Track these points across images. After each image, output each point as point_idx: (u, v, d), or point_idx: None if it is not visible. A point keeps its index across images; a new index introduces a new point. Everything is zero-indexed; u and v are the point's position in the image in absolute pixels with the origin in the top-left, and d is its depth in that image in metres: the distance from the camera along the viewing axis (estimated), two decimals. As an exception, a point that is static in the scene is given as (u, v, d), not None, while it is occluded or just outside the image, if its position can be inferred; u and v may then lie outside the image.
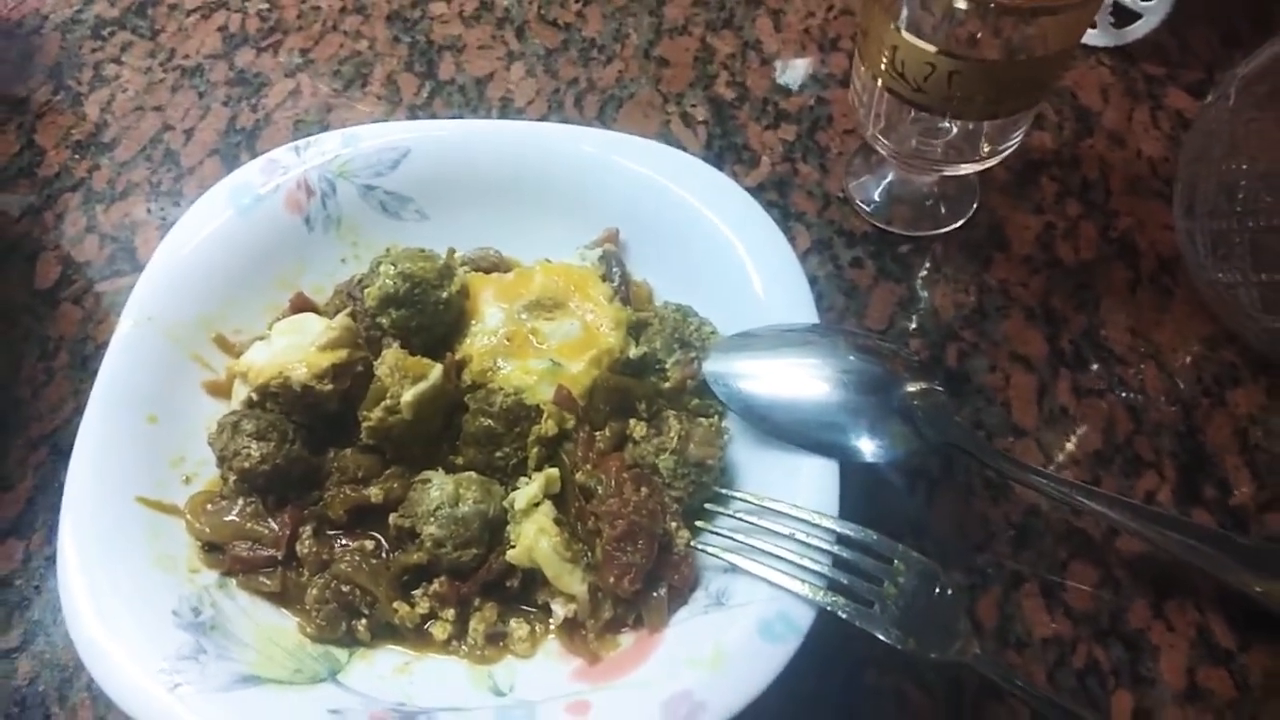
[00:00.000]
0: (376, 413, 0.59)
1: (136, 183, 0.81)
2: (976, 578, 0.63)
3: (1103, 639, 0.61)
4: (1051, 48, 0.62)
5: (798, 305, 0.63)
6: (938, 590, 0.54)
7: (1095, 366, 0.71)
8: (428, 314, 0.62)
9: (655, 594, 0.56)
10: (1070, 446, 0.68)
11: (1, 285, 0.75)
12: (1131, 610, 0.62)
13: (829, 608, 0.53)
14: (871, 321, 0.73)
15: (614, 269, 0.68)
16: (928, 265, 0.76)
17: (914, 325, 0.73)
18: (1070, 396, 0.70)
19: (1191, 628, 0.62)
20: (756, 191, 0.69)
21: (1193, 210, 0.69)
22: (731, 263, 0.65)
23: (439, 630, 0.57)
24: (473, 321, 0.65)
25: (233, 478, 0.59)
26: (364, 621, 0.57)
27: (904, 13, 0.62)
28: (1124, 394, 0.70)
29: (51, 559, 0.62)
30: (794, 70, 0.87)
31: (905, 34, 0.62)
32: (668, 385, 0.63)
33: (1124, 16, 0.86)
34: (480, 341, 0.63)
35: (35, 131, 0.84)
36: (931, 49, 0.62)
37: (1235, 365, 0.72)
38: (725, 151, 0.82)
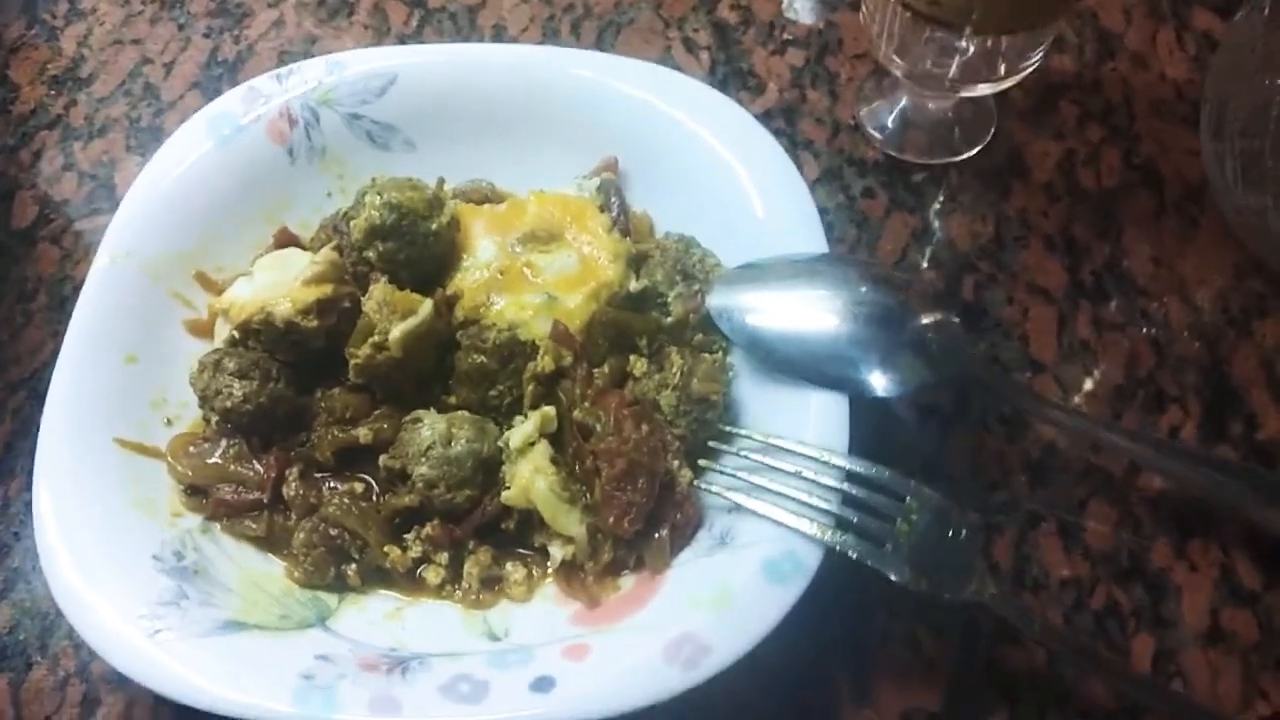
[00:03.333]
0: (364, 350, 0.56)
1: (115, 118, 0.78)
2: (992, 517, 0.61)
3: (1122, 580, 0.59)
4: (1076, -45, 0.58)
5: (806, 234, 0.60)
6: (952, 529, 0.52)
7: (1117, 298, 0.68)
8: (417, 247, 0.59)
9: (657, 535, 0.54)
10: (1090, 382, 0.65)
11: (-23, 225, 0.72)
12: (1153, 550, 0.60)
13: (838, 547, 0.50)
14: (884, 254, 0.70)
15: (613, 199, 0.65)
16: (943, 194, 0.73)
17: (928, 257, 0.70)
18: (1091, 330, 0.67)
19: (1215, 567, 0.59)
20: (763, 119, 0.65)
21: (1222, 131, 0.65)
22: (736, 191, 0.63)
23: (432, 575, 0.55)
24: (464, 255, 0.62)
25: (215, 418, 0.57)
26: (354, 566, 0.55)
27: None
28: (1146, 327, 0.67)
29: (30, 505, 0.60)
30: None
31: (920, -58, 0.58)
32: (670, 320, 0.60)
33: (1149, -68, 0.82)
34: (472, 276, 0.61)
35: (9, 68, 0.81)
36: (948, -43, 0.58)
37: (1262, 295, 0.68)
38: (730, 78, 0.78)
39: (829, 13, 0.82)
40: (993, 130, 0.75)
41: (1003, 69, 0.66)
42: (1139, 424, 0.64)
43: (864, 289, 0.59)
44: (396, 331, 0.56)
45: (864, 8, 0.68)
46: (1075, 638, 0.55)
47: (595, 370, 0.58)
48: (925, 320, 0.58)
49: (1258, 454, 0.63)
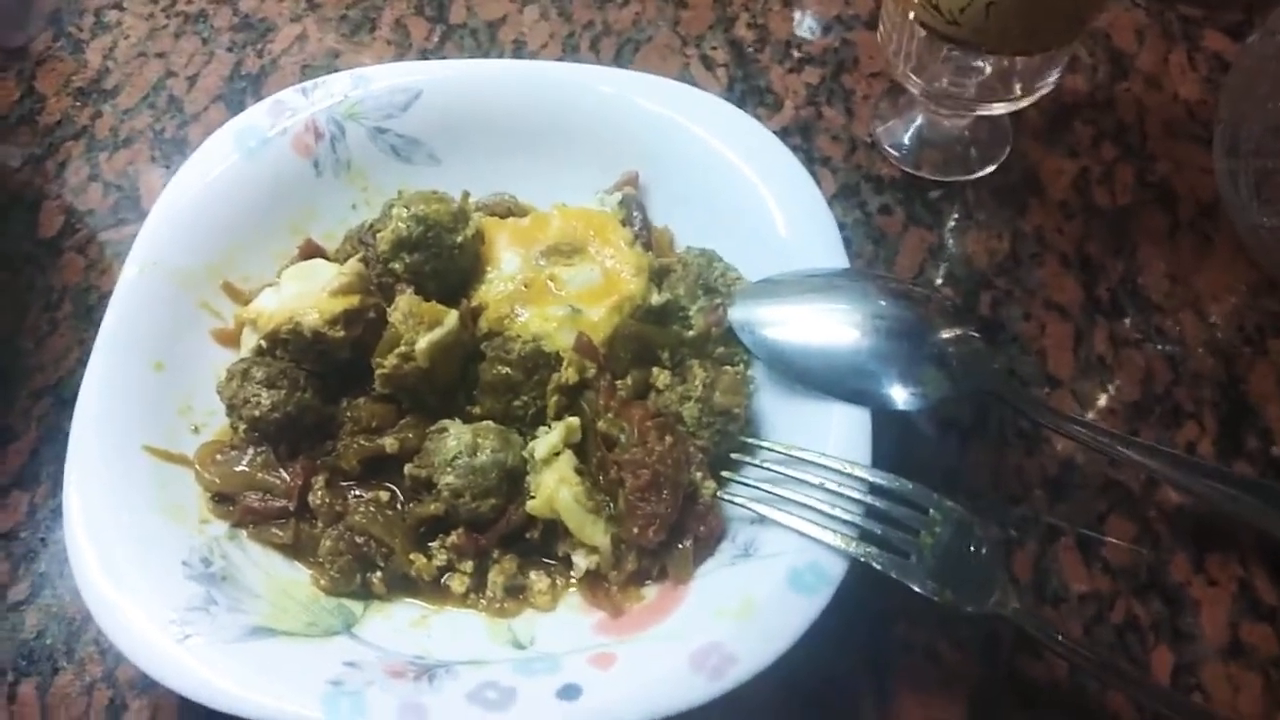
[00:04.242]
0: (391, 360, 0.57)
1: (140, 130, 0.79)
2: (1012, 531, 0.61)
3: (1142, 594, 0.59)
4: (1094, -23, 0.59)
5: (826, 249, 0.61)
6: (974, 542, 0.52)
7: (1133, 315, 0.69)
8: (442, 258, 0.60)
9: (680, 545, 0.54)
10: (1107, 397, 0.66)
11: (4, 235, 0.73)
12: (1171, 564, 0.60)
13: (862, 558, 0.51)
14: (901, 270, 0.71)
15: (634, 213, 0.66)
16: (959, 211, 0.73)
17: (945, 273, 0.71)
18: (1107, 345, 0.68)
19: (1233, 582, 0.60)
20: (780, 136, 0.66)
21: (1236, 150, 0.66)
22: (756, 206, 0.63)
23: (457, 583, 0.55)
24: (488, 268, 0.62)
25: (242, 426, 0.57)
26: (379, 574, 0.55)
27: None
28: (1162, 344, 0.68)
29: (57, 511, 0.61)
30: (817, 11, 0.84)
31: (941, -37, 0.59)
32: (692, 333, 0.61)
33: (1161, -46, 0.83)
34: (497, 288, 0.61)
35: (35, 79, 0.82)
36: (968, -22, 0.59)
37: (1277, 313, 0.69)
38: (747, 95, 0.79)
39: (845, 31, 0.83)
40: (1008, 148, 0.75)
41: (1019, 89, 0.67)
42: (1156, 439, 0.64)
43: (884, 303, 0.59)
44: (423, 342, 0.56)
45: (881, 26, 0.69)
46: (1096, 651, 0.55)
47: (618, 382, 0.59)
48: (945, 335, 0.59)
49: (1274, 469, 0.63)
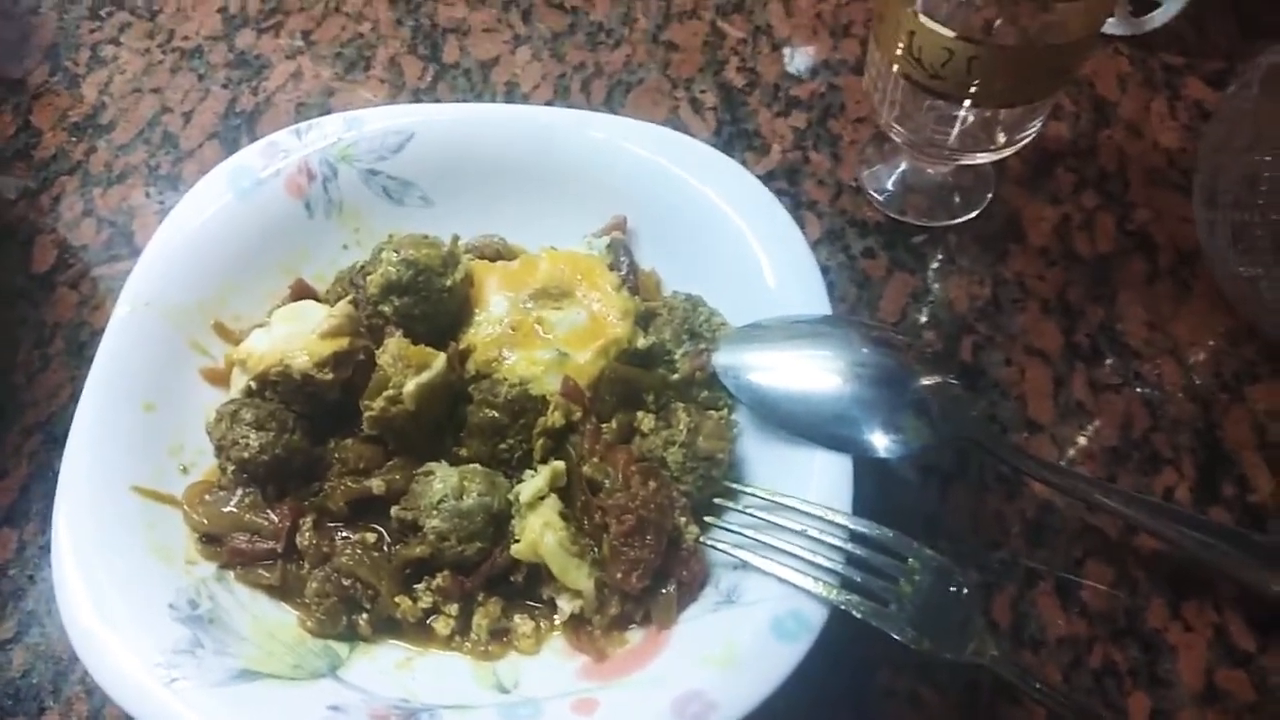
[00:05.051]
0: (379, 402, 0.57)
1: (134, 165, 0.79)
2: (991, 576, 0.62)
3: (1119, 639, 0.60)
4: (1072, 35, 0.61)
5: (810, 296, 0.62)
6: (953, 589, 0.53)
7: (1112, 361, 0.70)
8: (431, 302, 0.61)
9: (664, 590, 0.55)
10: (1086, 442, 0.67)
11: (-4, 269, 0.74)
12: (1149, 610, 0.61)
13: (843, 606, 0.51)
14: (884, 313, 0.72)
15: (622, 257, 0.67)
16: (941, 256, 0.75)
17: (927, 317, 0.72)
18: (1087, 391, 0.69)
19: (1209, 628, 0.60)
20: (767, 179, 0.67)
21: (1214, 201, 0.67)
22: (742, 252, 0.64)
23: (441, 625, 0.56)
24: (477, 310, 0.63)
25: (231, 468, 0.58)
26: (365, 616, 0.56)
27: (922, -4, 0.60)
28: (1141, 389, 0.69)
29: (46, 548, 0.61)
30: (805, 56, 0.86)
31: (923, 18, 0.61)
32: (676, 377, 0.62)
33: (1142, 5, 0.85)
34: (484, 331, 0.62)
35: (31, 113, 0.83)
36: (950, 34, 0.60)
37: (1254, 361, 0.70)
38: (735, 139, 0.81)
39: (832, 76, 0.84)
40: (990, 195, 0.77)
41: (1001, 139, 0.68)
42: (1134, 485, 0.65)
43: (865, 350, 0.60)
44: (410, 385, 0.57)
45: (866, 75, 0.71)
46: (1074, 698, 0.56)
47: (604, 425, 0.60)
48: (926, 382, 0.60)
49: (1250, 516, 0.64)
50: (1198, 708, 0.58)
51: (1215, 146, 0.69)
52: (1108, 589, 0.61)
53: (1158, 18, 0.84)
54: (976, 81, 0.62)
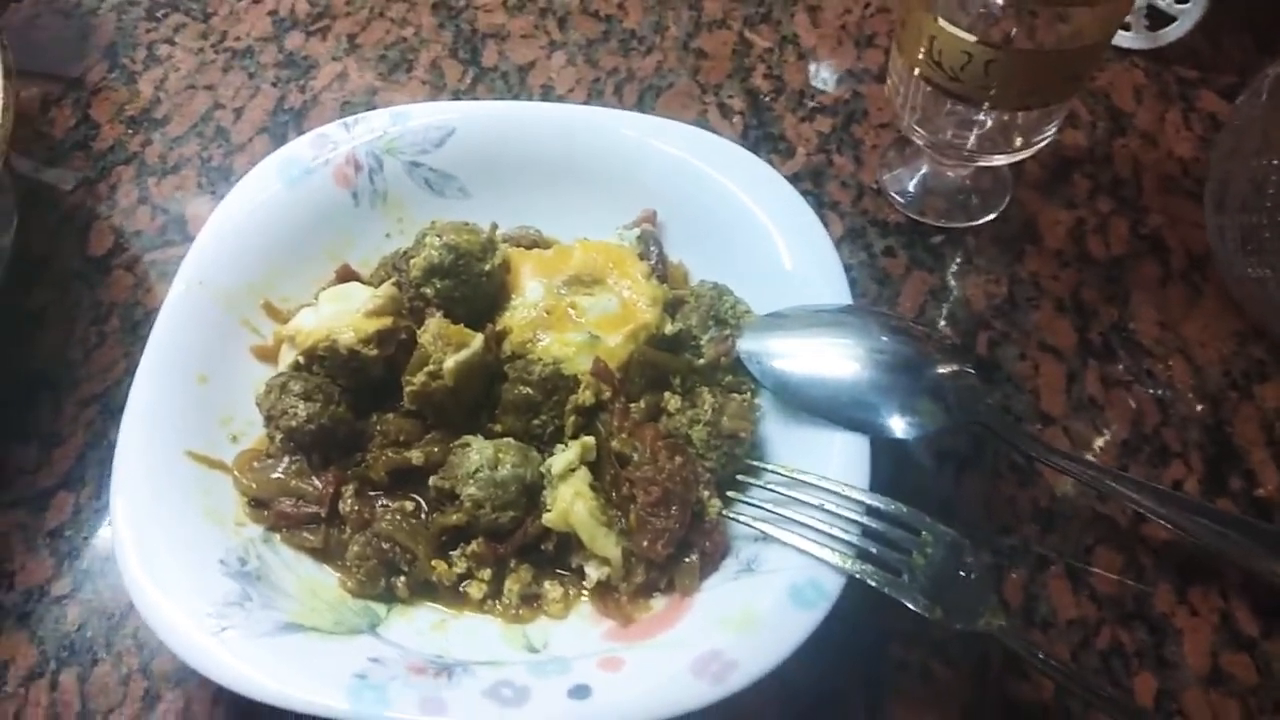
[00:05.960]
0: (419, 378, 0.60)
1: (187, 157, 0.83)
2: (1002, 558, 0.64)
3: (1127, 622, 0.62)
4: (1087, 39, 0.63)
5: (831, 286, 0.64)
6: (964, 564, 0.55)
7: (1124, 358, 0.72)
8: (471, 285, 0.64)
9: (687, 559, 0.58)
10: (1097, 435, 0.69)
11: (57, 253, 0.77)
12: (1156, 595, 0.63)
13: (858, 575, 0.54)
14: (903, 309, 0.75)
15: (651, 248, 0.69)
16: (960, 256, 0.77)
17: (945, 313, 0.74)
18: (1099, 386, 0.71)
19: (1215, 614, 0.62)
20: (792, 181, 0.69)
21: (1224, 205, 0.70)
22: (766, 245, 0.67)
23: (475, 589, 0.59)
24: (513, 295, 0.66)
25: (279, 436, 0.61)
26: (403, 579, 0.59)
27: (941, 2, 0.63)
28: (1152, 387, 0.71)
29: (100, 511, 0.65)
30: (830, 65, 0.89)
31: (943, 23, 0.64)
32: (702, 361, 0.64)
33: (1158, 19, 0.87)
34: (520, 314, 0.65)
35: (90, 107, 0.87)
36: (970, 38, 0.63)
37: (1263, 361, 0.72)
38: (761, 142, 0.84)
39: (856, 84, 0.87)
40: (1008, 198, 0.79)
41: (1018, 142, 0.71)
42: (1144, 477, 0.67)
43: (884, 338, 0.63)
44: (450, 362, 0.60)
45: (889, 81, 0.74)
46: (1081, 673, 0.58)
47: (632, 405, 0.62)
48: (942, 370, 0.62)
49: (1256, 509, 0.66)
50: (1202, 689, 0.60)
51: (1225, 153, 0.71)
52: (1116, 575, 0.63)
53: (1173, 32, 0.87)
54: (994, 84, 0.65)
